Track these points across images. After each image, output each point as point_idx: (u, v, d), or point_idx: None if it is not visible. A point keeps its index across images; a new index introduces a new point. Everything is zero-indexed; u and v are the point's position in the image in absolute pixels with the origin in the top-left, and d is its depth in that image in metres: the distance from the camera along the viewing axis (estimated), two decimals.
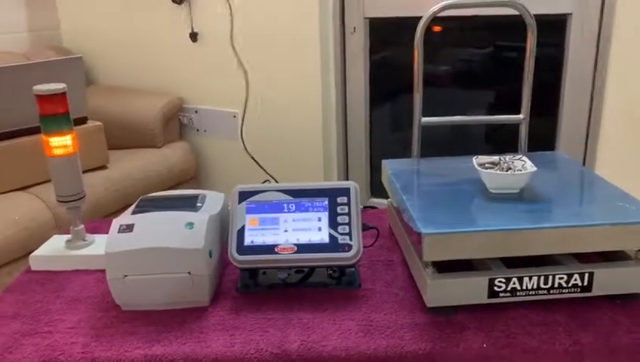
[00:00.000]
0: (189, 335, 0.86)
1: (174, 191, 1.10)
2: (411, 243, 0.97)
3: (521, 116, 1.22)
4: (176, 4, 2.39)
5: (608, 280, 0.88)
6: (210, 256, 0.92)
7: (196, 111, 2.55)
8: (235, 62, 2.33)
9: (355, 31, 2.23)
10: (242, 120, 2.41)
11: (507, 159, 1.01)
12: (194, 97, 2.54)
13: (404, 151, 1.22)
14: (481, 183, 0.99)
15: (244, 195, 0.98)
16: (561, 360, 0.81)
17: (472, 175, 1.01)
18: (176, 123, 2.54)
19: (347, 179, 2.43)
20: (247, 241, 0.93)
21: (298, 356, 0.82)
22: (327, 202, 0.96)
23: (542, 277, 0.86)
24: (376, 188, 2.46)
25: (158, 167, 2.31)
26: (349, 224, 0.94)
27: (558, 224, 0.85)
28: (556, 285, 0.87)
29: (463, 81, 2.29)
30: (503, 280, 0.86)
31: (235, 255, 0.93)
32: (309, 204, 0.96)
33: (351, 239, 0.93)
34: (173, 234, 0.90)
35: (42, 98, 1.02)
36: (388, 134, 2.46)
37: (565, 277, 0.87)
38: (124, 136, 2.36)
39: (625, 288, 0.88)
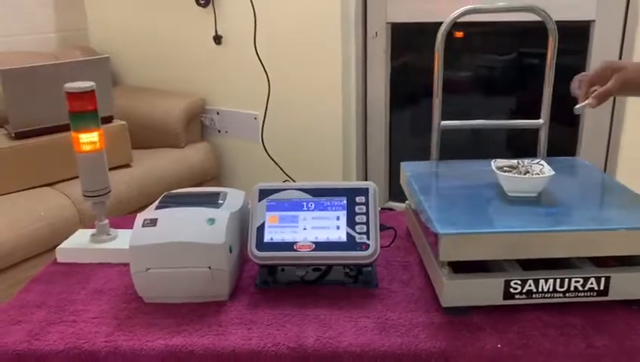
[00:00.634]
0: (208, 328, 0.89)
1: (197, 188, 1.12)
2: (428, 244, 0.98)
3: (541, 121, 1.23)
4: (201, 7, 2.43)
5: (625, 286, 0.88)
6: (231, 252, 0.94)
7: (218, 113, 2.59)
8: (257, 65, 2.36)
9: (376, 35, 2.25)
10: (263, 122, 2.44)
11: (525, 163, 1.01)
12: (216, 99, 2.58)
13: (423, 156, 1.23)
14: (499, 186, 0.99)
15: (264, 193, 1.00)
16: None
17: (490, 178, 1.01)
18: (199, 124, 2.59)
19: None
20: (267, 238, 0.95)
21: (314, 351, 0.83)
22: (345, 201, 0.98)
23: (558, 280, 0.87)
24: (395, 192, 2.47)
25: (179, 167, 2.35)
26: (366, 223, 0.95)
27: (575, 227, 0.86)
28: (572, 288, 0.87)
29: (484, 88, 2.29)
30: (519, 282, 0.87)
31: (255, 251, 0.95)
32: (328, 203, 0.98)
33: (368, 238, 0.94)
34: (195, 230, 0.93)
35: (72, 95, 1.05)
36: (407, 139, 2.47)
37: (581, 280, 0.87)
38: (147, 136, 2.41)
39: None
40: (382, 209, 1.29)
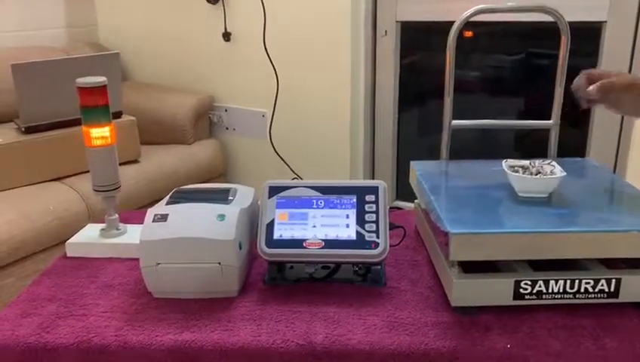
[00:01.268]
0: (217, 323, 0.89)
1: (207, 185, 1.13)
2: (438, 243, 0.98)
3: (551, 122, 1.22)
4: (210, 4, 2.44)
5: (636, 288, 0.87)
6: (240, 248, 0.94)
7: (226, 110, 2.59)
8: (266, 63, 2.36)
9: (386, 34, 2.25)
10: (271, 119, 2.44)
11: (537, 163, 1.01)
12: (224, 96, 2.58)
13: (431, 156, 1.23)
14: (510, 187, 0.99)
15: (274, 190, 1.00)
16: None
17: (501, 178, 1.01)
18: (207, 121, 2.59)
19: None
20: (276, 235, 0.96)
21: (323, 348, 0.83)
22: (355, 200, 0.98)
23: (568, 282, 0.87)
24: (402, 191, 2.46)
25: (187, 163, 2.35)
26: (376, 222, 0.95)
27: (586, 228, 0.86)
28: (582, 290, 0.87)
29: (494, 88, 2.28)
30: (529, 282, 0.87)
31: (264, 248, 0.95)
32: (338, 201, 0.98)
33: (378, 237, 0.94)
34: (205, 225, 0.93)
35: (84, 90, 1.06)
36: (415, 138, 2.46)
37: (592, 282, 0.87)
38: (155, 132, 2.42)
39: None
40: (390, 208, 1.29)
